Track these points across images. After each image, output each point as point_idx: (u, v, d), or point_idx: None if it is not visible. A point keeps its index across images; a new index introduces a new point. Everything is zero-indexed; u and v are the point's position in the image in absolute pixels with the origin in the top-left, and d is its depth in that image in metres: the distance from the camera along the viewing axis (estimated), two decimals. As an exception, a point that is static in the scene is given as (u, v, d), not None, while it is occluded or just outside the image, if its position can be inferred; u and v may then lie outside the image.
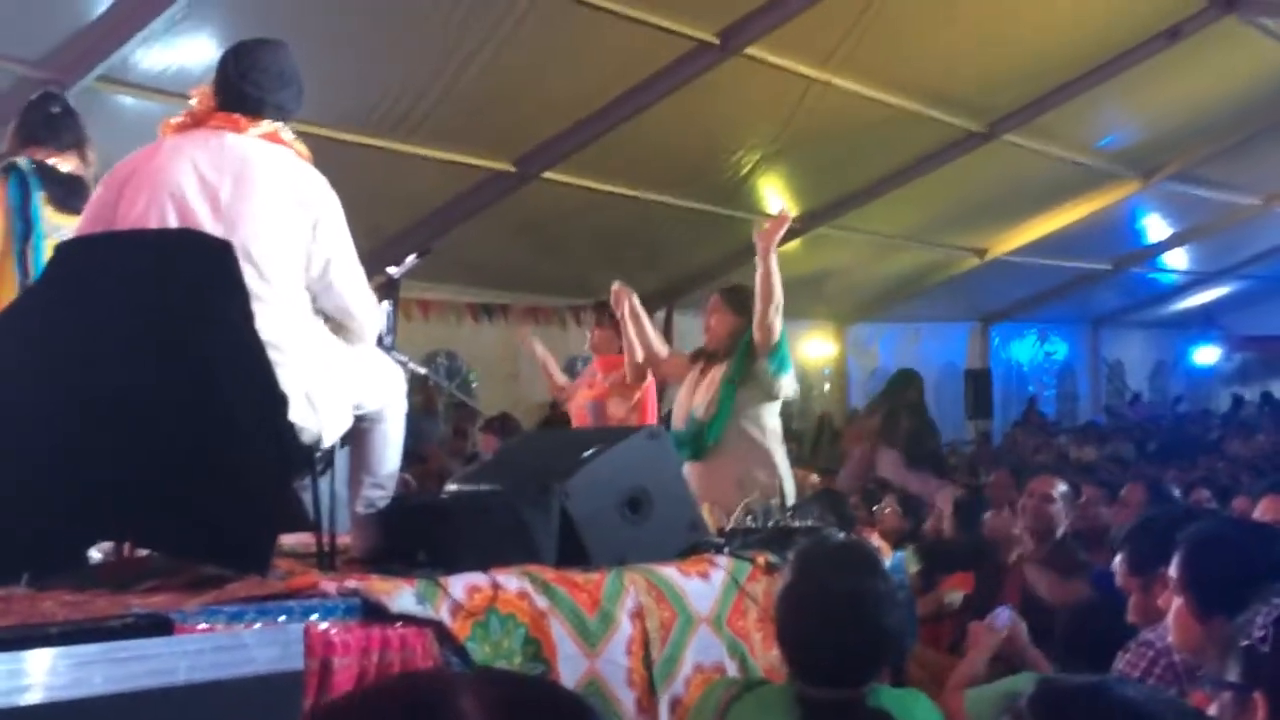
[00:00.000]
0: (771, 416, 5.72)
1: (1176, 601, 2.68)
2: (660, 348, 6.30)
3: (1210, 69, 11.41)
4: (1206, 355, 24.19)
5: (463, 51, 7.98)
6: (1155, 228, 17.14)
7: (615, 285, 6.24)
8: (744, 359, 5.67)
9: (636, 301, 6.21)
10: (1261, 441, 16.33)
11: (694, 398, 5.79)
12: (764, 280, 5.56)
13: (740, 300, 5.83)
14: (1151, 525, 3.52)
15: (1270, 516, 4.15)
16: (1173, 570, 2.70)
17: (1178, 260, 19.40)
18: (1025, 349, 20.84)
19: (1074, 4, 9.66)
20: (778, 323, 5.59)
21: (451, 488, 4.04)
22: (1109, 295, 20.07)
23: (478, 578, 3.17)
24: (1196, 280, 20.83)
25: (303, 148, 3.51)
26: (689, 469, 5.45)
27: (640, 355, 6.25)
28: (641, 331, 6.22)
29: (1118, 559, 3.52)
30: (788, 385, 5.70)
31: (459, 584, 3.11)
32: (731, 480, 5.16)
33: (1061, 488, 6.03)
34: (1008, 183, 13.06)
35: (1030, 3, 9.42)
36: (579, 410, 6.98)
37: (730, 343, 5.80)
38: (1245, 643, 1.61)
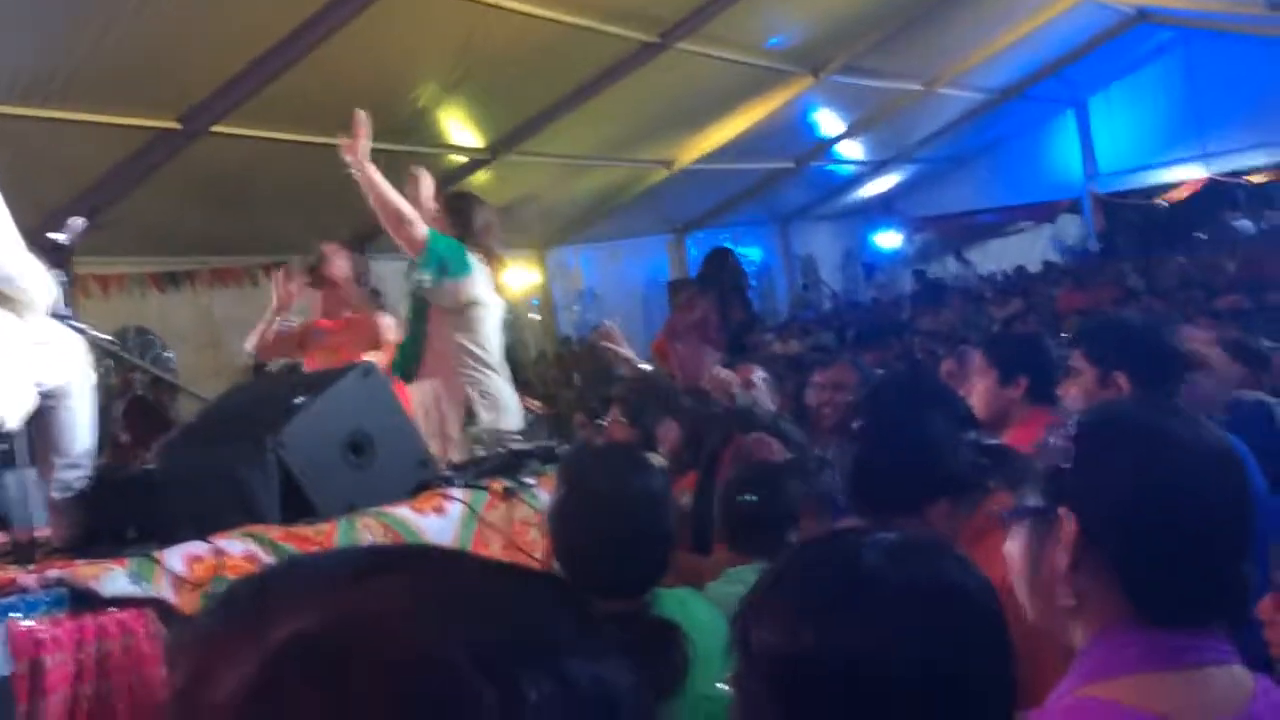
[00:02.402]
0: (466, 331, 5.31)
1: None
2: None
3: (863, -41, 11.79)
4: (889, 240, 25.31)
5: (105, 5, 7.43)
6: (829, 122, 17.69)
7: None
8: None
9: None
10: (948, 315, 17.27)
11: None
12: (374, 197, 5.16)
13: (457, 209, 5.50)
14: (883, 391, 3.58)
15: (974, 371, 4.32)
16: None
17: (854, 151, 20.14)
18: (722, 255, 21.27)
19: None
20: (414, 231, 5.15)
21: (156, 456, 3.76)
22: (795, 193, 20.70)
23: (198, 547, 2.96)
24: (872, 169, 21.70)
25: (-70, 104, 3.15)
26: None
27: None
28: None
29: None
30: (464, 291, 5.24)
31: (177, 556, 2.89)
32: (430, 402, 4.94)
33: (761, 374, 6.16)
34: (686, 91, 13.18)
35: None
36: None
37: None
38: (1045, 465, 1.60)
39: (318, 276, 6.54)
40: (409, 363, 5.28)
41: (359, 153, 5.15)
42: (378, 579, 0.79)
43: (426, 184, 5.51)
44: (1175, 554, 1.50)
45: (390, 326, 6.32)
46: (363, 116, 5.26)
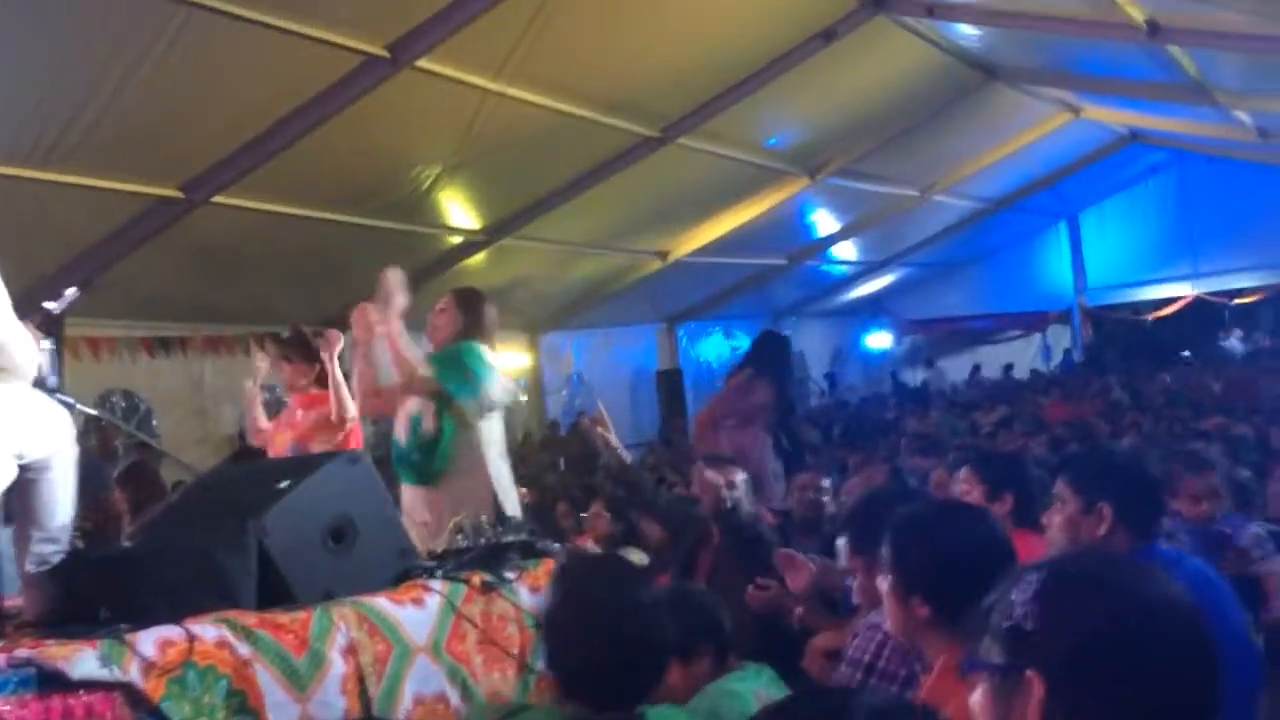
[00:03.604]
0: (488, 428, 5.40)
1: (887, 583, 2.70)
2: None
3: (865, 68, 11.95)
4: (879, 340, 25.44)
5: (114, 73, 7.47)
6: (824, 222, 17.87)
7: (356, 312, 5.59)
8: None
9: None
10: (935, 417, 17.28)
11: (411, 404, 5.42)
12: (395, 359, 5.31)
13: (470, 303, 5.53)
14: (874, 505, 3.57)
15: (962, 483, 4.32)
16: (884, 551, 2.72)
17: (847, 252, 20.31)
18: (712, 346, 21.38)
19: (734, 9, 9.91)
20: (425, 385, 5.31)
21: (136, 534, 3.73)
22: (787, 289, 20.84)
23: (170, 631, 2.93)
24: (865, 270, 21.88)
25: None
26: (408, 492, 5.23)
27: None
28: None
29: (841, 540, 3.54)
30: (495, 394, 5.34)
31: (149, 640, 2.86)
32: (451, 505, 4.89)
33: (742, 475, 6.15)
34: (685, 185, 13.33)
35: (693, 9, 9.60)
36: (280, 452, 6.55)
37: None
38: (1008, 623, 1.59)
39: (294, 347, 6.61)
40: (435, 466, 5.26)
41: (392, 321, 5.30)
42: None
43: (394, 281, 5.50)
44: (1145, 716, 1.50)
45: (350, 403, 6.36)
46: (395, 279, 5.42)
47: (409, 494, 5.35)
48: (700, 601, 3.88)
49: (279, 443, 6.54)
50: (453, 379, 5.30)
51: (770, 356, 8.54)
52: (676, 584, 4.93)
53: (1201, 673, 1.56)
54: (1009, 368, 24.09)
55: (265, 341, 11.62)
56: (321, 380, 6.57)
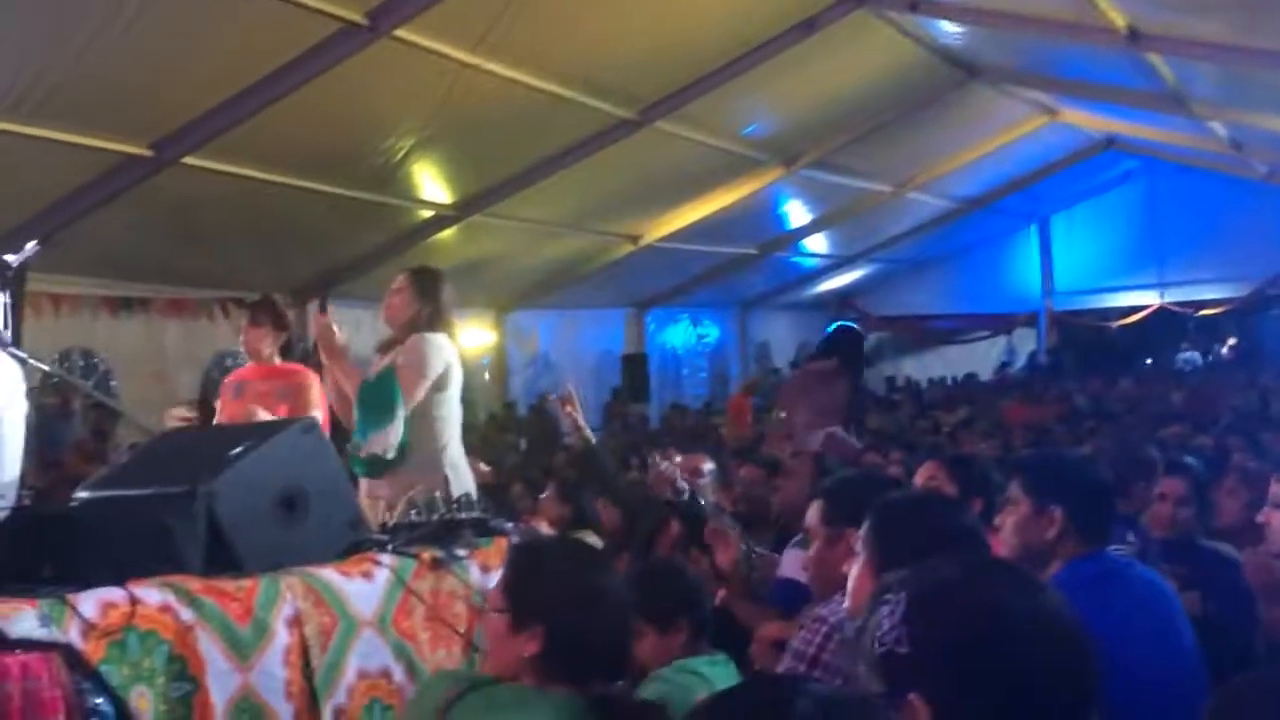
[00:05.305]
0: (440, 407, 5.40)
1: (860, 559, 2.71)
2: None
3: (845, 60, 11.95)
4: (846, 335, 25.49)
5: (89, 26, 7.37)
6: (797, 213, 17.87)
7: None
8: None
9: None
10: (900, 416, 17.36)
11: None
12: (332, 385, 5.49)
13: (426, 284, 5.52)
14: (856, 482, 3.63)
15: (926, 478, 4.35)
16: (864, 527, 2.73)
17: (818, 245, 20.33)
18: (679, 333, 21.39)
19: (717, -5, 9.89)
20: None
21: (84, 494, 3.68)
22: (756, 279, 20.83)
23: (113, 593, 2.89)
24: (835, 264, 21.89)
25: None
26: (363, 484, 5.25)
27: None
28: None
29: (813, 508, 3.53)
30: (387, 441, 5.29)
31: (90, 601, 2.82)
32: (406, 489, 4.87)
33: (709, 464, 6.18)
34: (659, 170, 13.30)
35: (676, -8, 9.57)
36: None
37: (407, 329, 5.44)
38: (881, 649, 1.58)
39: (262, 310, 6.48)
40: (391, 461, 5.27)
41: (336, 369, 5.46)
42: None
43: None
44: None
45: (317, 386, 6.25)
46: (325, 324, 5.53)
47: (363, 485, 5.36)
48: (685, 579, 3.93)
49: (235, 410, 6.36)
50: (368, 419, 5.34)
51: (851, 352, 8.70)
52: (662, 558, 4.95)
53: (1075, 673, 1.57)
54: (1004, 364, 24.27)
55: (229, 306, 11.60)
56: (286, 351, 6.48)
